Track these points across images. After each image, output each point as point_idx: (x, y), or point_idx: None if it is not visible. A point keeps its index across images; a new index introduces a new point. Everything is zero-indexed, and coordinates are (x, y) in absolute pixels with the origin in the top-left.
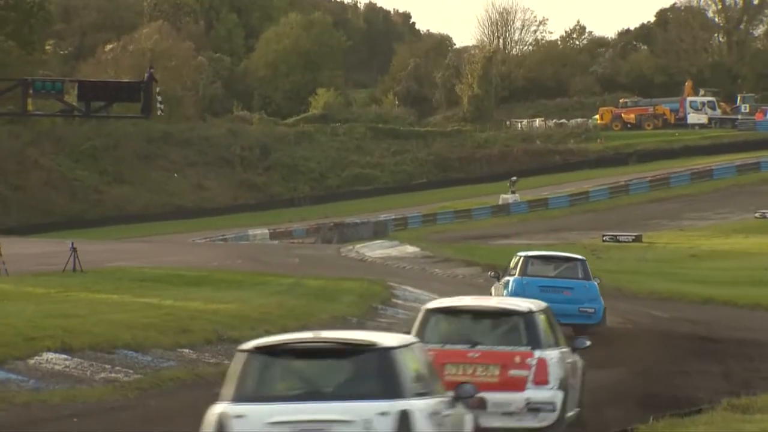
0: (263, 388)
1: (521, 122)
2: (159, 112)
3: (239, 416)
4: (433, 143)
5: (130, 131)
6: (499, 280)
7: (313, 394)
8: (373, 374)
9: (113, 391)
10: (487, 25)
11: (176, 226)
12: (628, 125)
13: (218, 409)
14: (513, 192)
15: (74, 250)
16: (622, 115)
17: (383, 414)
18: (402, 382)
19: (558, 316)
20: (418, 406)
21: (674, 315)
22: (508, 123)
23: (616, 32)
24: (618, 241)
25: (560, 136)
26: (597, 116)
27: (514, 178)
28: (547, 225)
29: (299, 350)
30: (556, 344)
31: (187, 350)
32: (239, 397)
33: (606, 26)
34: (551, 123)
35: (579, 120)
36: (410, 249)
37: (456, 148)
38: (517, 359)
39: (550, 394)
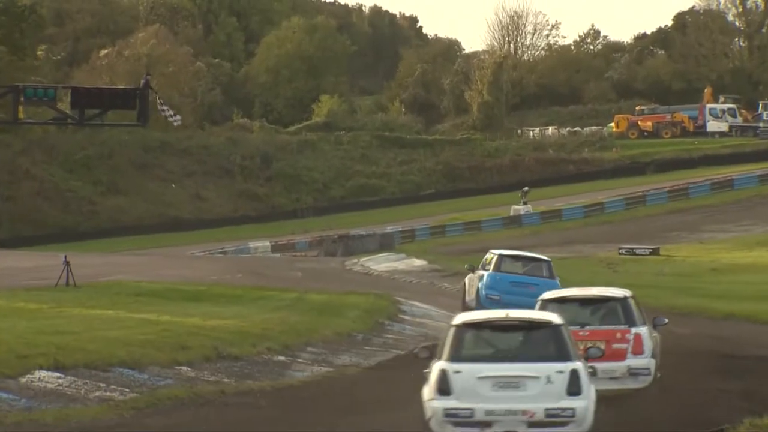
0: (471, 352)
1: (533, 130)
2: (175, 123)
3: (457, 371)
4: (441, 152)
5: (125, 140)
6: (473, 272)
7: (507, 357)
8: (549, 343)
9: (108, 411)
10: (497, 29)
11: (174, 238)
12: (645, 133)
13: (440, 366)
14: (525, 203)
15: (67, 263)
16: (639, 122)
17: (560, 372)
18: (570, 349)
19: (524, 308)
20: (581, 366)
21: (694, 331)
22: (519, 131)
23: (632, 36)
24: (635, 254)
25: (574, 145)
26: (612, 124)
27: (526, 188)
28: (561, 237)
29: (496, 325)
30: (644, 323)
31: (185, 368)
32: (454, 358)
33: (621, 30)
34: (564, 131)
35: (593, 128)
36: (418, 262)
37: (465, 157)
38: (618, 335)
39: (646, 361)
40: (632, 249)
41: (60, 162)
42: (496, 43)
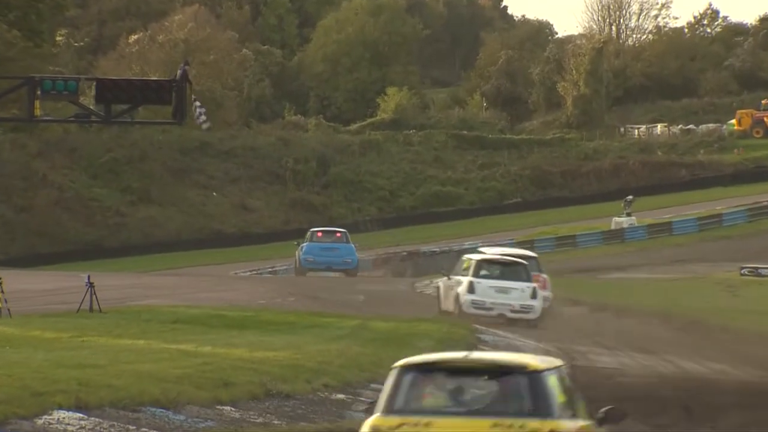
0: (485, 273)
1: (639, 128)
2: (204, 125)
3: (478, 282)
4: (529, 154)
5: (158, 140)
6: (298, 246)
7: (502, 277)
8: (522, 273)
9: None
10: (596, 9)
11: (215, 255)
12: None
13: (469, 279)
14: (628, 214)
15: (91, 285)
16: (765, 119)
17: (528, 287)
18: (531, 277)
19: (332, 265)
20: (536, 286)
21: None
22: (622, 129)
23: (757, 18)
24: (759, 274)
25: (687, 146)
26: (733, 121)
27: (630, 197)
28: (671, 255)
29: (496, 262)
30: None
31: (228, 407)
32: (477, 276)
33: (744, 10)
34: (676, 129)
35: (711, 126)
36: None
37: (558, 161)
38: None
39: (549, 293)
40: (756, 269)
41: (83, 166)
42: (595, 26)
